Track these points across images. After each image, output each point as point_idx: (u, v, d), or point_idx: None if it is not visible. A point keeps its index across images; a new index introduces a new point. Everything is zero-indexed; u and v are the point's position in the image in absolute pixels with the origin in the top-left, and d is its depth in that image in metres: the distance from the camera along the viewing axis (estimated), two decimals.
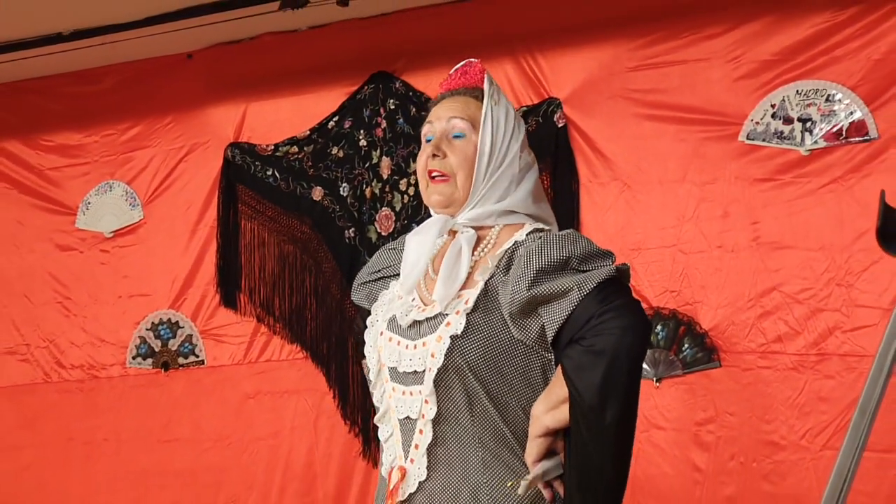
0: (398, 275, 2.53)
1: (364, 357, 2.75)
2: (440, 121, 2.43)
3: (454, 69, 2.53)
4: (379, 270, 2.65)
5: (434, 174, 2.41)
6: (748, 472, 4.22)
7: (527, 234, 2.35)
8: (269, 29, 5.18)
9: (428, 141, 2.45)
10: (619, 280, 2.19)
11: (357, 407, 4.99)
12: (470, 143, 2.39)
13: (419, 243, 2.40)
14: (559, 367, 2.15)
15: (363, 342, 2.69)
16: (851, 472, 1.32)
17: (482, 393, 2.22)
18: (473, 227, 2.40)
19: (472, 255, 2.35)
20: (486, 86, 2.41)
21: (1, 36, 5.18)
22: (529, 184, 2.45)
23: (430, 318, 2.30)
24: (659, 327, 4.35)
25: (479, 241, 2.39)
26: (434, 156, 2.40)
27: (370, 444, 4.92)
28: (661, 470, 4.34)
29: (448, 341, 2.21)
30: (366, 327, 2.64)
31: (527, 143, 2.48)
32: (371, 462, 4.92)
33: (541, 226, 2.43)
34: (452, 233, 2.43)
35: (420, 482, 2.27)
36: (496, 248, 2.36)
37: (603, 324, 2.08)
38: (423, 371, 2.26)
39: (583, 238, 2.25)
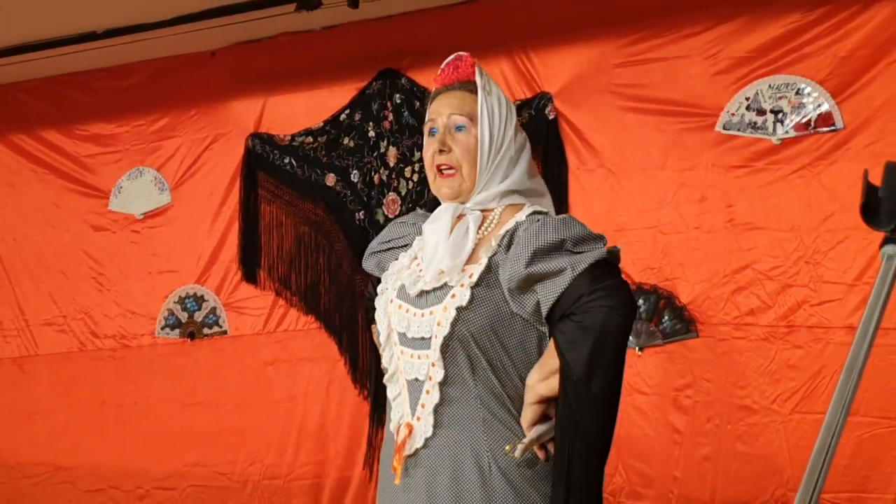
0: (406, 246, 2.56)
1: (374, 322, 2.76)
2: (441, 117, 2.43)
3: (445, 63, 2.52)
4: (389, 241, 2.65)
5: (442, 168, 2.42)
6: (723, 433, 4.20)
7: (526, 216, 2.36)
8: (286, 29, 5.15)
9: (432, 134, 2.46)
10: (610, 262, 2.22)
11: (366, 373, 4.98)
12: (471, 135, 2.40)
13: (435, 231, 2.39)
14: (552, 340, 2.19)
15: (373, 308, 2.70)
16: (839, 426, 1.30)
17: (483, 360, 2.24)
18: (479, 210, 2.41)
19: (477, 233, 2.35)
20: (478, 79, 2.43)
21: (40, 34, 5.17)
22: (525, 162, 2.46)
23: (437, 288, 2.30)
24: (641, 301, 4.33)
25: (483, 220, 2.39)
26: (441, 151, 2.40)
27: (378, 407, 4.92)
28: (643, 431, 4.33)
29: (454, 312, 2.23)
30: (377, 295, 2.65)
31: (518, 124, 2.50)
32: (377, 423, 4.91)
33: (539, 208, 2.44)
34: (459, 216, 2.42)
35: (426, 438, 2.28)
36: (499, 227, 2.37)
37: (593, 302, 2.11)
38: (430, 337, 2.27)
39: (577, 222, 2.27)
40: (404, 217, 2.72)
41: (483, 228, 2.38)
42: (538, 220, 2.27)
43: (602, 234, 2.25)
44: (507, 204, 2.41)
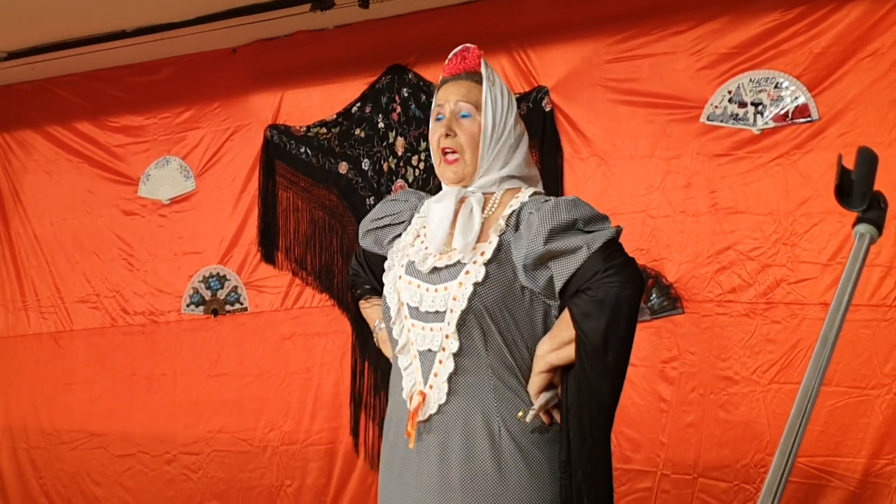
0: (403, 223, 2.57)
1: (362, 298, 2.79)
2: (448, 103, 2.43)
3: (453, 53, 2.50)
4: (382, 218, 2.65)
5: (447, 152, 2.42)
6: (706, 402, 4.20)
7: (529, 196, 2.38)
8: (302, 27, 5.14)
9: (438, 120, 2.45)
10: (619, 241, 2.23)
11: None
12: (475, 122, 2.39)
13: (440, 209, 2.39)
14: (564, 313, 2.21)
15: (359, 284, 2.79)
16: (814, 392, 1.29)
17: (495, 331, 2.24)
18: (480, 192, 2.41)
19: (482, 213, 2.36)
20: (483, 70, 2.43)
21: (74, 33, 5.18)
22: (523, 151, 2.46)
23: (450, 265, 2.31)
24: None
25: (485, 202, 2.39)
26: (447, 135, 2.40)
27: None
28: (633, 400, 4.32)
29: (470, 287, 2.24)
30: (363, 271, 2.73)
31: (518, 115, 2.49)
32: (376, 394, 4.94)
33: (537, 189, 2.45)
34: (462, 198, 2.42)
35: (440, 405, 2.28)
36: (502, 208, 2.37)
37: (607, 278, 2.13)
38: (445, 311, 2.27)
39: (585, 203, 2.28)
40: (394, 195, 2.72)
41: (487, 209, 2.38)
42: (549, 201, 2.28)
43: (607, 215, 2.27)
44: (507, 188, 2.42)
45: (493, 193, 2.41)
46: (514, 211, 2.33)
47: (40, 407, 5.95)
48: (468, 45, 2.50)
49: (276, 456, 5.26)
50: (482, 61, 2.44)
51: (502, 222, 2.31)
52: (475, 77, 2.44)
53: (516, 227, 2.30)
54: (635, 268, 2.21)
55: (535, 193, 2.40)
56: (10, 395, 6.07)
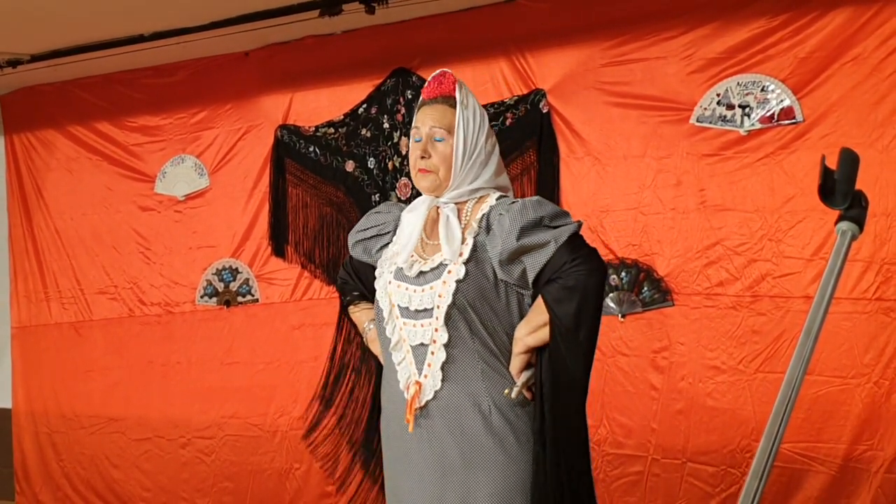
0: (388, 233, 2.71)
1: (352, 304, 2.93)
2: (424, 126, 2.55)
3: (431, 77, 2.60)
4: (368, 229, 2.77)
5: (422, 171, 2.53)
6: (695, 390, 4.21)
7: (496, 199, 2.52)
8: (311, 32, 5.14)
9: (417, 141, 2.56)
10: (580, 233, 2.40)
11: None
12: (447, 145, 2.52)
13: (412, 220, 2.56)
14: (537, 300, 2.38)
15: (348, 291, 2.91)
16: (798, 382, 1.29)
17: (478, 321, 2.40)
18: (453, 203, 2.54)
19: (460, 220, 2.50)
20: (457, 94, 2.53)
21: (94, 37, 5.17)
22: (493, 165, 2.59)
23: (434, 268, 2.46)
24: (623, 273, 4.33)
25: (459, 211, 2.53)
26: (422, 157, 2.52)
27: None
28: (625, 389, 4.33)
29: (453, 285, 2.40)
30: (351, 279, 2.85)
31: (491, 130, 2.61)
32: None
33: (502, 193, 2.59)
34: (436, 208, 2.58)
35: (435, 391, 2.43)
36: (475, 213, 2.51)
37: (574, 267, 2.31)
38: (432, 308, 2.42)
39: (548, 202, 2.45)
40: (379, 207, 2.87)
41: (463, 217, 2.50)
42: (515, 203, 2.43)
43: (567, 210, 2.45)
44: (478, 197, 2.54)
45: (465, 202, 2.54)
46: (484, 214, 2.48)
47: (61, 393, 5.96)
48: (445, 70, 2.60)
49: (285, 440, 5.27)
50: (457, 85, 2.53)
51: (475, 225, 2.46)
52: (450, 101, 2.53)
53: (488, 229, 2.44)
54: (598, 256, 2.38)
55: (501, 197, 2.53)
56: (32, 382, 6.08)
